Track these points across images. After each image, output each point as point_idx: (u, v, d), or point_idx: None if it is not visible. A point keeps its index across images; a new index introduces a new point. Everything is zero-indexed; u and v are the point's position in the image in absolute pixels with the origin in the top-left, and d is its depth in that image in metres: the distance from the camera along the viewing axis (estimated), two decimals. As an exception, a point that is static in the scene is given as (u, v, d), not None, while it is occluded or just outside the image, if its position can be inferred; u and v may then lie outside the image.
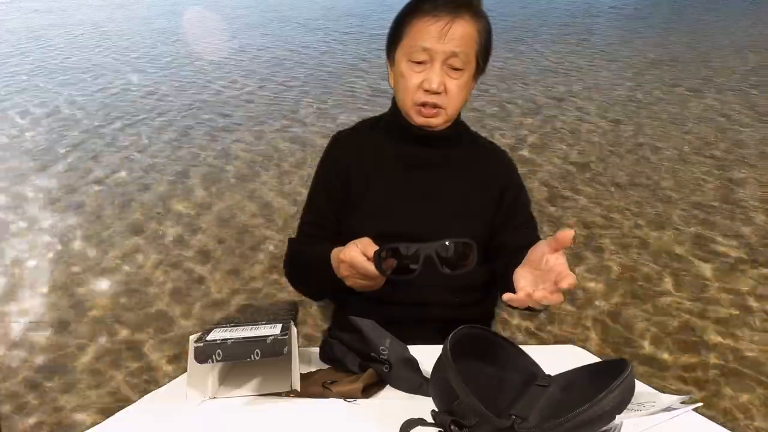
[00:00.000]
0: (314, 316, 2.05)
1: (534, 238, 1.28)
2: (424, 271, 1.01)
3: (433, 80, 1.14)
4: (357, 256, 1.04)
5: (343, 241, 1.10)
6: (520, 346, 0.94)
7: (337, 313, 1.35)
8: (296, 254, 1.33)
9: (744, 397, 1.94)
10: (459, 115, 1.26)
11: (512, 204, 1.28)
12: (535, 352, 0.94)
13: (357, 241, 1.06)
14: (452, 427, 0.74)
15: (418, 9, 1.15)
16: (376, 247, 1.03)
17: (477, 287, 1.25)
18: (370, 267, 1.03)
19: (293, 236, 1.38)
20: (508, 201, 1.27)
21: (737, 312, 2.36)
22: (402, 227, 1.06)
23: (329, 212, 1.29)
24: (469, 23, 1.14)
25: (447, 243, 1.01)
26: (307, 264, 1.26)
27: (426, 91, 1.16)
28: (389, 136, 1.28)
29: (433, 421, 0.77)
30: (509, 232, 1.22)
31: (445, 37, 1.12)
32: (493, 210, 1.25)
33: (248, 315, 1.09)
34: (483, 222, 1.21)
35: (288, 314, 1.03)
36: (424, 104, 1.17)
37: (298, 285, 1.34)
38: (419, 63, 1.16)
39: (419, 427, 0.76)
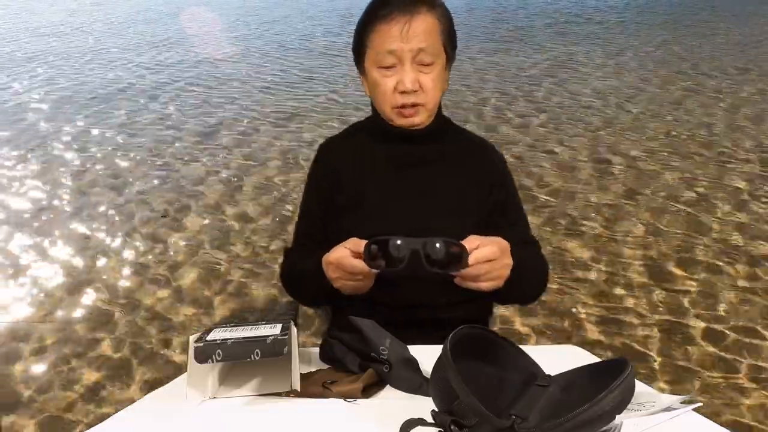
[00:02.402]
0: (314, 316, 2.05)
1: (526, 234, 1.28)
2: (411, 269, 1.00)
3: (407, 80, 1.15)
4: (344, 256, 1.05)
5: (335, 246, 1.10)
6: (520, 346, 0.94)
7: (336, 314, 1.35)
8: (291, 265, 1.34)
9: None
10: (440, 109, 1.26)
11: (505, 201, 1.28)
12: (535, 352, 0.94)
13: (345, 242, 1.07)
14: (452, 427, 0.74)
15: (374, 16, 1.16)
16: (365, 242, 1.03)
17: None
18: (357, 263, 1.03)
19: (289, 246, 1.39)
20: (501, 197, 1.27)
21: None
22: (399, 226, 1.07)
23: (320, 219, 1.30)
24: (427, 16, 1.15)
25: (437, 242, 1.01)
26: (301, 274, 1.26)
27: (402, 92, 1.17)
28: (375, 139, 1.28)
29: (433, 421, 0.77)
30: (504, 230, 1.22)
31: (407, 35, 1.13)
32: (489, 206, 1.25)
33: (248, 315, 1.09)
34: (479, 219, 1.21)
35: (288, 314, 1.03)
36: (402, 106, 1.18)
37: (295, 295, 1.35)
38: (389, 67, 1.17)
39: (419, 427, 0.76)
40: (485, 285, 1.07)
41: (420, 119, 1.21)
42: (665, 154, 3.70)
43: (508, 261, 1.08)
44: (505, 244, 1.07)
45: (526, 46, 6.47)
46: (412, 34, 1.13)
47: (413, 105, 1.18)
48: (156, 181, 3.45)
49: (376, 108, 1.25)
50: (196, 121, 4.35)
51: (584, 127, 4.15)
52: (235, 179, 3.44)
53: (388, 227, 1.06)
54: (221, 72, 5.61)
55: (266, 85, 5.22)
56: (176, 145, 3.94)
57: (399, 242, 1.01)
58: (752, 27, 7.45)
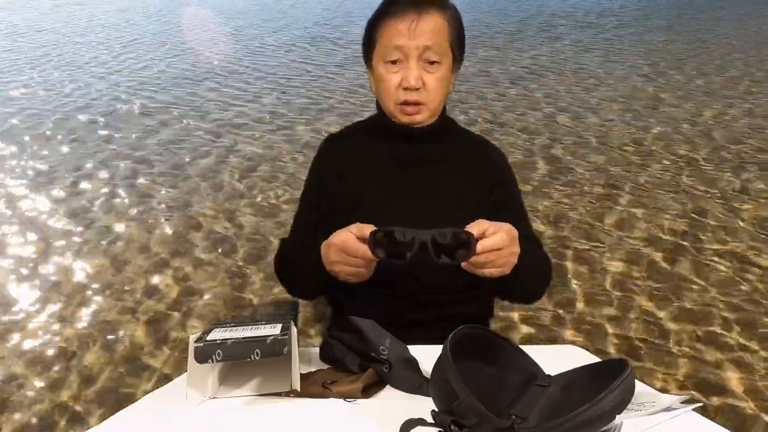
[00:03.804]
0: (314, 316, 2.05)
1: (526, 232, 1.29)
2: (417, 258, 1.00)
3: (411, 77, 1.16)
4: (349, 238, 1.04)
5: None
6: (520, 346, 0.94)
7: (336, 313, 1.35)
8: (289, 254, 1.33)
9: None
10: (444, 109, 1.27)
11: (506, 200, 1.29)
12: (535, 352, 0.94)
13: (349, 226, 1.06)
14: (452, 427, 0.74)
15: (385, 12, 1.18)
16: (372, 228, 1.02)
17: (469, 281, 1.24)
18: (361, 247, 1.02)
19: (285, 237, 1.39)
20: (502, 197, 1.28)
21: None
22: (398, 225, 1.07)
23: (318, 214, 1.30)
24: (436, 15, 1.16)
25: (446, 233, 0.99)
26: (298, 264, 1.26)
27: (405, 89, 1.17)
28: (377, 137, 1.29)
29: (433, 421, 0.77)
30: None
31: (414, 32, 1.15)
32: (489, 206, 1.25)
33: (248, 314, 1.09)
34: (480, 217, 1.21)
35: (288, 314, 1.03)
36: (405, 102, 1.19)
37: (289, 285, 1.35)
38: (395, 63, 1.18)
39: (419, 427, 0.76)
40: (490, 271, 1.06)
41: (421, 118, 1.21)
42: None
43: (516, 249, 1.07)
44: (514, 232, 1.06)
45: (509, 50, 6.42)
46: (419, 31, 1.14)
47: (416, 103, 1.18)
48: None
49: (380, 104, 1.25)
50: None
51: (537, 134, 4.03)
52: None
53: (387, 225, 1.06)
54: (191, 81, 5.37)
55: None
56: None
57: (406, 233, 0.99)
58: (751, 31, 7.43)
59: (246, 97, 4.82)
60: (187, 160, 3.59)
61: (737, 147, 3.71)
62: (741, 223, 2.82)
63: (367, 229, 1.03)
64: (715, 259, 2.55)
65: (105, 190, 3.20)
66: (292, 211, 1.43)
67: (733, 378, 1.91)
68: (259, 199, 3.09)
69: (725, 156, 3.58)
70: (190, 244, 2.69)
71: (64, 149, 3.78)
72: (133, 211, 2.99)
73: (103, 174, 3.39)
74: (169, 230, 2.81)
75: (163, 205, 3.03)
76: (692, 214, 2.90)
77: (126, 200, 3.11)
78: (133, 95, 4.88)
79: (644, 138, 3.87)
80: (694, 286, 2.37)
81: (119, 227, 2.84)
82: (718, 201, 3.02)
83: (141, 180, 3.32)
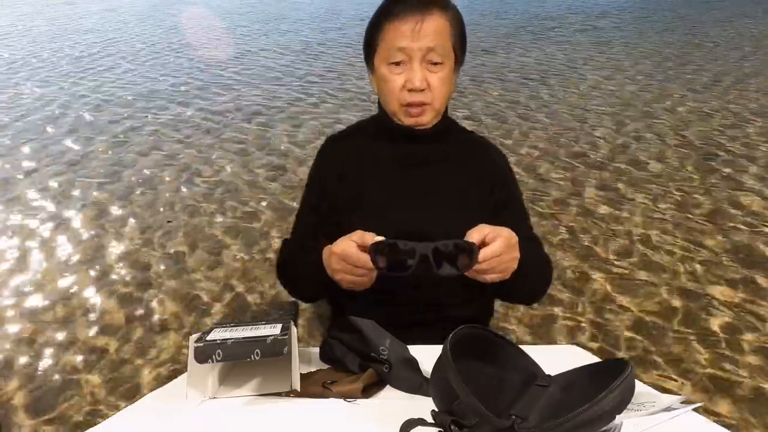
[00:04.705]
0: (314, 316, 2.05)
1: (527, 231, 1.29)
2: (419, 270, 1.01)
3: (415, 78, 1.16)
4: (350, 248, 1.05)
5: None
6: (520, 346, 0.94)
7: (336, 313, 1.35)
8: (290, 255, 1.33)
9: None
10: (447, 109, 1.27)
11: (507, 200, 1.29)
12: (535, 352, 0.94)
13: (351, 234, 1.06)
14: (452, 427, 0.74)
15: (388, 13, 1.18)
16: (374, 236, 1.03)
17: (469, 283, 1.25)
18: (363, 257, 1.03)
19: (287, 237, 1.39)
20: (503, 197, 1.28)
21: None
22: (402, 225, 1.07)
23: (319, 214, 1.30)
24: (439, 17, 1.16)
25: (448, 245, 1.01)
26: (299, 267, 1.26)
27: (410, 90, 1.18)
28: (379, 137, 1.29)
29: (433, 421, 0.77)
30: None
31: (418, 34, 1.15)
32: (491, 206, 1.25)
33: (248, 314, 1.09)
34: (481, 217, 1.22)
35: (288, 314, 1.03)
36: (410, 104, 1.19)
37: (290, 287, 1.35)
38: (398, 64, 1.18)
39: (419, 427, 0.76)
40: (491, 277, 1.08)
41: (427, 119, 1.21)
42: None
43: (516, 254, 1.08)
44: (513, 239, 1.07)
45: (508, 52, 6.37)
46: (423, 33, 1.15)
47: (420, 104, 1.19)
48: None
49: (383, 105, 1.25)
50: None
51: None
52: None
53: (390, 225, 1.06)
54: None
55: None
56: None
57: (408, 244, 1.00)
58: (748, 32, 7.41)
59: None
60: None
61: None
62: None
63: (369, 237, 1.03)
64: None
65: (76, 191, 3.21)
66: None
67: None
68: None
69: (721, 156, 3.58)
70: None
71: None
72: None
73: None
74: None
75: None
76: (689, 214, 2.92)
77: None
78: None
79: (641, 140, 3.88)
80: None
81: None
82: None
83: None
